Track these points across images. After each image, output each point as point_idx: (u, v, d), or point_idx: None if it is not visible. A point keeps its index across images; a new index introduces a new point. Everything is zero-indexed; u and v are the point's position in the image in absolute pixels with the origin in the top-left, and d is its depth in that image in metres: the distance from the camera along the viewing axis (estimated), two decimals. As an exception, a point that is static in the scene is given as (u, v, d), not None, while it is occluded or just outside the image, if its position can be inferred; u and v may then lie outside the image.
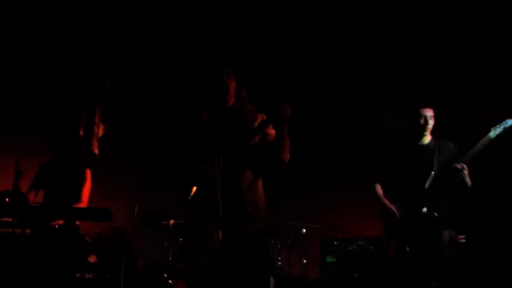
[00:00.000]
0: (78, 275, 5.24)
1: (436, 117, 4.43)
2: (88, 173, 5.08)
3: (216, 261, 3.20)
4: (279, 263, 6.65)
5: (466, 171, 4.08)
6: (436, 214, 4.10)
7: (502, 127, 4.09)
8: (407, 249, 4.10)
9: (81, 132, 5.91)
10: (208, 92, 3.67)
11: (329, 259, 6.61)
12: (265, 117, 3.57)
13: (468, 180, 4.14)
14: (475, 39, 6.06)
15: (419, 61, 6.54)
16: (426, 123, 4.34)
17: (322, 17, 5.97)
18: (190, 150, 3.62)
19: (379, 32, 6.16)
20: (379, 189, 4.50)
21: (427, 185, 4.20)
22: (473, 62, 6.30)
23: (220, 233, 3.19)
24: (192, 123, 3.69)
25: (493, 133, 4.09)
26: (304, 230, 6.71)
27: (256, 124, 3.57)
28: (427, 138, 4.41)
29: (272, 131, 3.55)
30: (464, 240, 5.03)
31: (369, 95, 7.21)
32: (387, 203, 4.32)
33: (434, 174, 4.23)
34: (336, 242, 6.66)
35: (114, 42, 6.32)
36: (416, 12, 5.78)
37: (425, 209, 4.14)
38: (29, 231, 4.58)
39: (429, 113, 4.35)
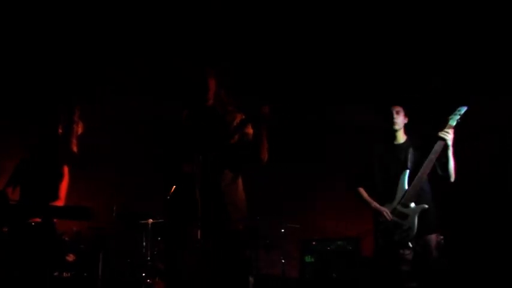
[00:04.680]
0: (56, 273, 5.21)
1: (409, 115, 4.51)
2: (66, 170, 5.04)
3: (196, 260, 3.21)
4: (258, 263, 6.67)
5: (450, 136, 4.17)
6: (426, 206, 4.17)
7: (458, 114, 4.28)
8: (410, 246, 4.14)
9: (60, 130, 5.85)
10: (188, 91, 3.68)
11: (308, 259, 6.65)
12: (244, 117, 3.59)
13: (451, 154, 4.21)
14: (463, 36, 6.08)
15: (407, 60, 6.58)
16: (392, 117, 4.40)
17: (292, 16, 5.97)
18: (171, 150, 3.63)
19: (358, 30, 6.17)
20: (363, 192, 4.53)
21: (405, 184, 4.25)
22: (467, 60, 6.34)
23: (199, 232, 3.19)
24: (172, 123, 3.70)
25: (452, 121, 4.25)
26: (283, 230, 6.73)
27: (235, 124, 3.59)
28: (401, 137, 4.48)
29: (251, 131, 3.57)
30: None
31: (348, 94, 7.25)
32: (377, 204, 4.36)
33: (410, 172, 4.29)
34: (314, 242, 6.69)
35: (98, 40, 6.28)
36: (398, 7, 5.79)
37: (413, 204, 4.19)
38: (6, 229, 4.54)
39: (396, 108, 4.44)
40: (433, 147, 4.21)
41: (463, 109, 4.30)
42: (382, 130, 4.61)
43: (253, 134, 3.53)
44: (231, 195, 3.53)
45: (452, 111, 4.35)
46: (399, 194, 4.25)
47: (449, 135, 4.17)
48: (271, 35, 6.19)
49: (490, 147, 6.28)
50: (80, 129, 6.23)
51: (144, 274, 6.02)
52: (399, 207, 4.22)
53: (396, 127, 4.43)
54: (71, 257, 5.42)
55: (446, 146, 4.18)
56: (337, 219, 7.45)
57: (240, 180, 3.64)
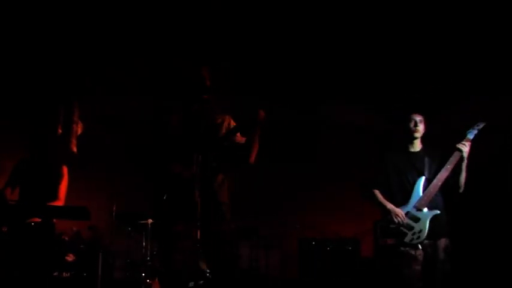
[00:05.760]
0: (55, 273, 5.21)
1: (427, 124, 4.60)
2: (65, 170, 5.03)
3: (193, 260, 3.22)
4: (258, 263, 6.67)
5: (467, 149, 4.32)
6: (438, 211, 4.31)
7: (476, 129, 4.45)
8: (419, 248, 4.27)
9: (60, 130, 5.86)
10: (186, 91, 3.68)
11: (307, 259, 6.64)
12: (231, 119, 3.64)
13: (465, 166, 4.34)
14: (463, 36, 6.07)
15: (404, 61, 6.57)
16: (416, 125, 4.50)
17: (291, 16, 5.96)
18: (160, 150, 3.63)
19: (357, 30, 6.15)
20: (379, 194, 4.60)
21: (420, 190, 4.40)
22: (467, 60, 6.33)
23: (198, 232, 3.19)
24: (162, 123, 3.70)
25: (470, 135, 4.42)
26: (283, 230, 6.73)
27: (223, 125, 3.63)
28: (418, 145, 4.58)
29: (239, 135, 3.61)
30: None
31: (348, 95, 7.25)
32: (393, 206, 4.45)
33: (426, 178, 4.42)
34: (314, 242, 6.69)
35: (95, 39, 6.28)
36: (397, 6, 5.77)
37: (426, 209, 4.34)
38: (5, 229, 4.54)
39: (418, 117, 4.54)
40: (449, 157, 4.36)
41: (481, 124, 4.47)
42: (383, 132, 4.66)
43: (247, 137, 3.56)
44: (223, 196, 3.58)
45: (453, 111, 4.42)
46: (413, 199, 4.40)
47: (465, 148, 4.33)
48: (269, 35, 6.18)
49: (490, 147, 6.27)
50: (79, 129, 6.25)
51: (143, 274, 6.03)
52: (413, 211, 4.36)
53: (417, 135, 4.54)
54: (70, 257, 5.42)
55: (461, 158, 4.32)
56: (337, 219, 7.45)
57: (226, 181, 3.67)
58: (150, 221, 6.16)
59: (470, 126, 4.47)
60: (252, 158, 3.57)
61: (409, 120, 4.52)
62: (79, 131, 6.44)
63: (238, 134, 3.62)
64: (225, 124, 3.65)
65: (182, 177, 3.36)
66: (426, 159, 4.47)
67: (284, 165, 7.42)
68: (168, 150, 3.57)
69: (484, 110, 4.58)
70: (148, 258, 6.12)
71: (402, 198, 4.45)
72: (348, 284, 6.37)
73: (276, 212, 7.00)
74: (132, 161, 3.98)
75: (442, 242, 4.31)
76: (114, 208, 6.19)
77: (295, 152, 7.75)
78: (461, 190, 4.43)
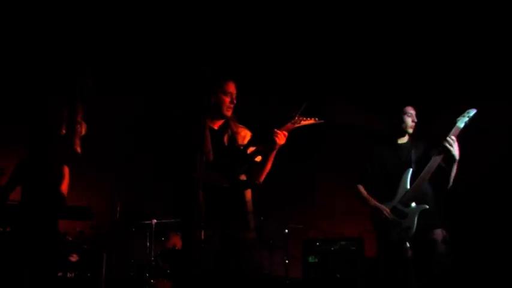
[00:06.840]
0: (60, 274, 5.22)
1: (418, 118, 4.47)
2: (66, 170, 5.02)
3: (213, 263, 3.26)
4: (262, 264, 6.66)
5: (455, 145, 4.04)
6: (427, 206, 4.08)
7: (467, 116, 4.14)
8: (407, 246, 4.06)
9: (64, 131, 5.85)
10: (216, 100, 3.67)
11: (311, 259, 6.63)
12: (249, 132, 3.74)
13: (455, 166, 4.11)
14: (454, 37, 6.08)
15: (400, 62, 6.57)
16: (413, 120, 4.35)
17: (292, 16, 5.98)
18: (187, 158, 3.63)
19: (356, 30, 6.16)
20: (362, 190, 4.46)
21: (408, 183, 4.19)
22: (467, 61, 6.32)
23: (202, 233, 3.19)
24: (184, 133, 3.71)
25: (460, 123, 4.12)
26: (287, 231, 6.72)
27: (246, 140, 3.71)
28: (405, 138, 4.43)
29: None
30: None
31: (349, 95, 7.25)
32: (377, 202, 4.28)
33: (413, 171, 4.23)
34: (318, 243, 6.68)
35: (98, 39, 6.29)
36: (398, 7, 5.77)
37: (413, 204, 4.12)
38: (9, 229, 4.55)
39: (414, 111, 4.39)
40: (436, 149, 4.12)
41: (472, 112, 4.16)
42: (383, 132, 4.57)
43: (262, 157, 3.58)
44: (250, 205, 3.63)
45: (453, 111, 4.27)
46: (400, 193, 4.19)
47: (452, 147, 4.04)
48: (270, 35, 6.20)
49: (489, 147, 6.25)
50: (83, 129, 6.24)
51: (147, 274, 6.03)
52: (399, 206, 4.15)
53: (410, 130, 4.37)
54: (74, 257, 5.43)
55: (452, 158, 4.05)
56: (340, 219, 7.44)
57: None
58: (154, 221, 6.16)
59: (469, 119, 4.16)
60: (262, 178, 3.59)
61: (407, 114, 4.35)
62: (83, 132, 6.44)
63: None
64: (242, 134, 3.74)
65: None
66: (413, 151, 4.28)
67: (286, 166, 7.39)
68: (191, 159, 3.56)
69: (484, 110, 4.48)
70: (152, 258, 6.12)
71: (388, 192, 4.26)
72: (352, 284, 6.36)
73: (280, 212, 6.99)
74: (161, 175, 3.98)
75: (439, 234, 4.07)
76: (119, 208, 6.20)
77: (297, 152, 7.74)
78: (449, 186, 4.17)
